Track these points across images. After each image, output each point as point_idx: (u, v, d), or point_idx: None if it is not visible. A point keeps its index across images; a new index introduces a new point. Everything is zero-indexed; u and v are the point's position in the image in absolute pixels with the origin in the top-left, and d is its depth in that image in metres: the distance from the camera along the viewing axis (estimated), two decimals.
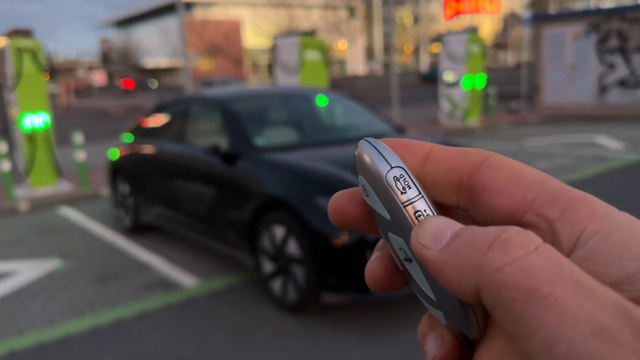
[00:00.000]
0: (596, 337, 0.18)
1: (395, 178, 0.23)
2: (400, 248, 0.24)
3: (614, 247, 0.21)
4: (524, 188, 0.23)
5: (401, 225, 0.23)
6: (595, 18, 12.91)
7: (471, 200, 0.24)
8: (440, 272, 0.21)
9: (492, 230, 0.21)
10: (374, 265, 0.26)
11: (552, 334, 0.18)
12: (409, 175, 0.23)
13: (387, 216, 0.23)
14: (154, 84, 48.46)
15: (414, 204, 0.23)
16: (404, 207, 0.22)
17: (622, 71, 12.70)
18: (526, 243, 0.20)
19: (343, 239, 3.01)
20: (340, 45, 53.82)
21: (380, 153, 0.23)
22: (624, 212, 0.22)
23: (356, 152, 0.24)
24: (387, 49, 76.28)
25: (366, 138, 0.25)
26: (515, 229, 0.21)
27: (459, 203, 0.25)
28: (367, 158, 0.23)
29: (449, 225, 0.22)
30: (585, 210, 0.22)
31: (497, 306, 0.20)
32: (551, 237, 0.22)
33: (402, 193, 0.22)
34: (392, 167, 0.23)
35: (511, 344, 0.22)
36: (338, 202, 0.26)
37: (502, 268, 0.20)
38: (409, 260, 0.23)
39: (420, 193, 0.23)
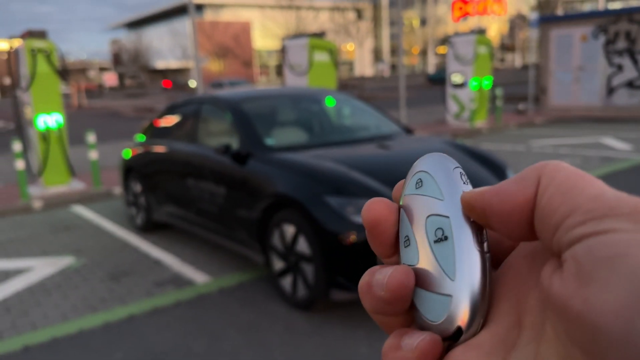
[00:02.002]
0: None
1: (461, 173, 0.26)
2: (438, 228, 0.25)
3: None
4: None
5: (454, 205, 0.25)
6: (603, 19, 12.85)
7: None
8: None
9: None
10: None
11: None
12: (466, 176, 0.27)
13: (442, 198, 0.26)
14: (193, 83, 49.07)
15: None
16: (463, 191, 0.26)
17: (630, 72, 12.63)
18: None
19: (352, 237, 3.05)
20: (349, 47, 53.86)
21: (448, 157, 0.27)
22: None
23: (424, 156, 0.27)
24: (394, 50, 76.26)
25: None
26: None
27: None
28: (438, 156, 0.27)
29: None
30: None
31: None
32: None
33: (464, 183, 0.26)
34: (458, 166, 0.27)
35: (499, 341, 0.23)
36: (376, 207, 0.27)
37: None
38: (442, 239, 0.25)
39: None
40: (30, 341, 3.22)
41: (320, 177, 3.37)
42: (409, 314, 0.26)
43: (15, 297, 3.89)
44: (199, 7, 63.49)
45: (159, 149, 5.04)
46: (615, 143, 9.11)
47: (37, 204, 6.68)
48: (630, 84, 12.68)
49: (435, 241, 0.25)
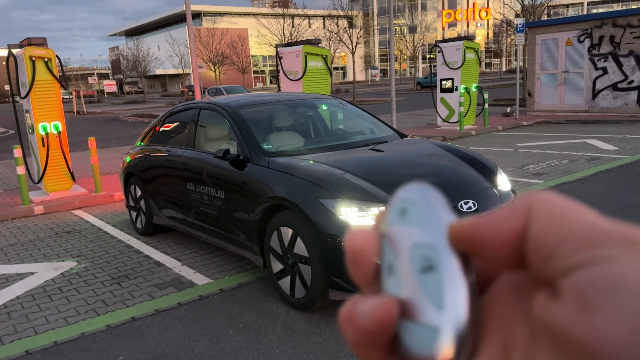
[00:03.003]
0: None
1: (444, 203, 0.26)
2: (424, 257, 0.24)
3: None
4: None
5: (440, 234, 0.25)
6: (588, 24, 13.15)
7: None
8: None
9: None
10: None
11: None
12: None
13: (427, 227, 0.25)
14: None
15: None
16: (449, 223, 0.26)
17: (614, 75, 12.93)
18: None
19: None
20: (341, 54, 54.24)
21: (431, 187, 0.27)
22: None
23: (406, 186, 0.27)
24: (384, 55, 76.90)
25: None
26: None
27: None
28: (421, 186, 0.26)
29: None
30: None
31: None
32: None
33: (448, 214, 0.26)
34: (441, 196, 0.27)
35: None
36: (358, 237, 0.26)
37: None
38: (428, 269, 0.24)
39: None
40: (32, 346, 3.24)
41: (316, 181, 3.45)
42: (391, 347, 0.25)
43: (17, 302, 3.92)
44: (196, 16, 63.88)
45: (159, 153, 5.11)
46: (600, 144, 9.30)
47: (38, 209, 6.72)
48: (614, 87, 12.97)
49: (421, 271, 0.24)
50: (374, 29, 72.85)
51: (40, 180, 7.12)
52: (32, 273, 4.54)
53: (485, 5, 71.34)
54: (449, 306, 0.23)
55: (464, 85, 11.91)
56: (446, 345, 0.23)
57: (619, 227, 0.21)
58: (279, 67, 9.41)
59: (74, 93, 36.53)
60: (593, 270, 0.19)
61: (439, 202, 0.26)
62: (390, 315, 0.24)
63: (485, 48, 73.08)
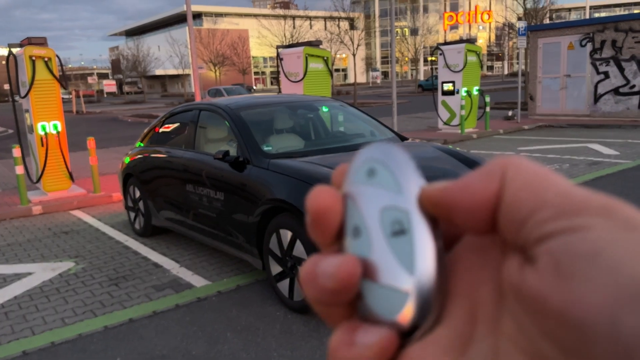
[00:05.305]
0: None
1: (415, 166, 0.26)
2: (395, 221, 0.24)
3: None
4: None
5: (411, 198, 0.24)
6: (590, 28, 13.16)
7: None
8: None
9: None
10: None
11: None
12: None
13: (398, 190, 0.24)
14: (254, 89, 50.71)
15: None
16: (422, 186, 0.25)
17: (616, 80, 12.92)
18: None
19: None
20: (342, 55, 54.39)
21: (401, 147, 0.26)
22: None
23: (374, 145, 0.26)
24: (385, 58, 77.09)
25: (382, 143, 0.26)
26: None
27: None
28: (391, 147, 0.26)
29: None
30: None
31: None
32: None
33: (418, 177, 0.25)
34: (411, 158, 0.26)
35: (456, 336, 0.23)
36: (323, 196, 0.25)
37: None
38: (400, 233, 0.24)
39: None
40: (29, 346, 3.24)
41: (316, 183, 3.44)
42: (351, 306, 0.24)
43: (14, 302, 3.91)
44: (197, 16, 64.20)
45: (158, 154, 5.10)
46: (602, 149, 9.30)
47: (36, 209, 6.72)
48: (616, 91, 12.97)
49: (391, 234, 0.24)
50: (375, 31, 73.20)
51: (38, 180, 7.12)
52: (29, 273, 4.54)
53: (488, 8, 71.57)
54: (418, 270, 0.23)
55: (465, 88, 11.90)
56: (417, 309, 0.23)
57: (594, 197, 0.21)
58: (280, 69, 9.40)
59: (73, 93, 36.60)
60: (570, 238, 0.19)
61: (409, 164, 0.25)
62: (352, 274, 0.23)
63: (487, 51, 73.27)
